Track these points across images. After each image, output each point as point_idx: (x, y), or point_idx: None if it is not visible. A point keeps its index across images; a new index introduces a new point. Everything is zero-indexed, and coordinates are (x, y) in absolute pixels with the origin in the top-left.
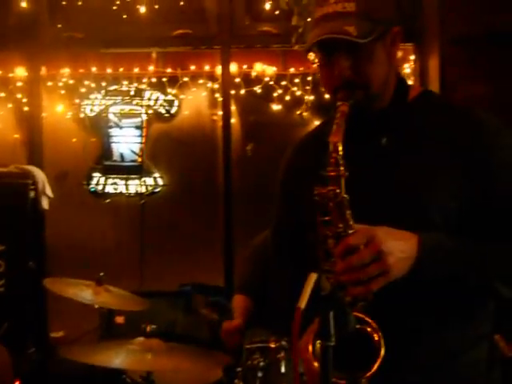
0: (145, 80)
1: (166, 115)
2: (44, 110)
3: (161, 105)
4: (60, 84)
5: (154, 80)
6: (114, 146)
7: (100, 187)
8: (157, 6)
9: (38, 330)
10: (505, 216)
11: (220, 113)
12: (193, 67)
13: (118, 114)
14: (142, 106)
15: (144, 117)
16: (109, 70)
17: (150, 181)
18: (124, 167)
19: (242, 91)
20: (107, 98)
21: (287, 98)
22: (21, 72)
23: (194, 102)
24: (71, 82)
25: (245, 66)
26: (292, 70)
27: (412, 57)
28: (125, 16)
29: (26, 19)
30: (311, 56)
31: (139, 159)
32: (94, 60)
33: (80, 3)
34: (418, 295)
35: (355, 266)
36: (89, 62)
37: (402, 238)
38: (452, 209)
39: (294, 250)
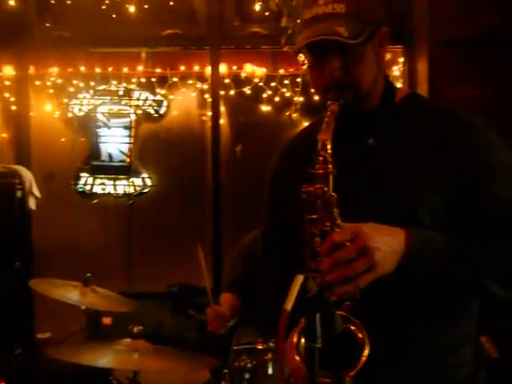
0: (134, 80)
1: (155, 115)
2: (32, 109)
3: (150, 105)
4: (48, 83)
5: (143, 80)
6: (102, 146)
7: (88, 187)
8: (146, 6)
9: (24, 330)
10: (492, 216)
11: (209, 113)
12: (182, 67)
13: (107, 114)
14: (130, 105)
15: (133, 117)
16: (97, 70)
17: (138, 181)
18: (112, 167)
19: (232, 92)
20: (96, 97)
21: (276, 99)
22: (9, 71)
23: (184, 102)
24: (59, 81)
25: (234, 67)
26: (281, 71)
27: (401, 59)
28: (114, 15)
29: (15, 18)
30: (301, 57)
31: (128, 159)
32: (83, 59)
33: (69, 2)
34: (405, 293)
35: (341, 262)
36: (77, 62)
37: (389, 234)
38: (440, 209)
39: (284, 251)
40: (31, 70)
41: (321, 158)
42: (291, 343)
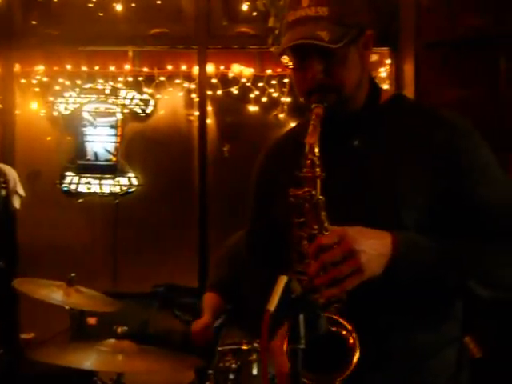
0: (121, 79)
1: (142, 115)
2: (17, 107)
3: (136, 104)
4: (34, 81)
5: (130, 79)
6: (87, 145)
7: (73, 187)
8: (133, 5)
9: (7, 330)
10: (476, 217)
11: (196, 113)
12: (169, 67)
13: (93, 113)
14: (117, 104)
15: (119, 116)
16: (84, 68)
17: (124, 181)
18: (98, 166)
19: (219, 92)
20: (82, 96)
21: (264, 99)
22: None
23: (170, 101)
24: (45, 79)
25: (222, 67)
26: (269, 71)
27: (388, 61)
28: (101, 14)
29: (0, 16)
30: (285, 59)
31: (114, 159)
32: (69, 57)
33: (55, 0)
34: (391, 296)
35: (327, 264)
36: (64, 60)
37: (375, 237)
38: (424, 209)
39: (269, 251)
40: (17, 67)
41: (308, 162)
42: (282, 346)
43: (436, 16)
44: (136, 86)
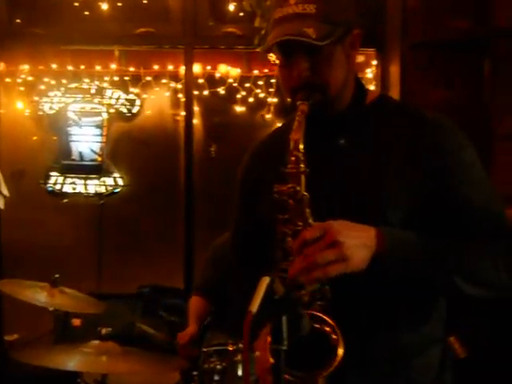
0: (106, 78)
1: (128, 114)
2: (2, 106)
3: (122, 104)
4: (19, 80)
5: (116, 78)
6: (73, 144)
7: (58, 187)
8: (120, 4)
9: None
10: (461, 217)
11: (183, 113)
12: (156, 67)
13: (78, 113)
14: (103, 104)
15: (105, 116)
16: (69, 68)
17: (109, 181)
18: (83, 167)
19: (206, 92)
20: (67, 95)
21: (250, 99)
22: None
23: (157, 101)
24: (30, 78)
25: (208, 67)
26: (256, 72)
27: (374, 62)
28: (87, 12)
29: None
30: (272, 57)
31: (99, 159)
32: (55, 57)
33: None
34: (375, 294)
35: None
36: (49, 59)
37: (359, 229)
38: (409, 209)
39: (254, 250)
40: (1, 66)
41: (293, 158)
42: (264, 344)
43: (422, 18)
44: (122, 86)
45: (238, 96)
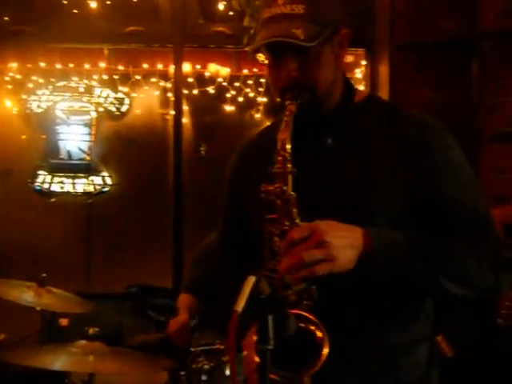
0: (95, 77)
1: (117, 113)
2: None
3: (111, 102)
4: (7, 78)
5: (105, 77)
6: (61, 143)
7: (46, 186)
8: (109, 2)
9: None
10: (448, 217)
11: (172, 112)
12: (145, 65)
13: (67, 111)
14: (91, 103)
15: (93, 114)
16: (58, 66)
17: (98, 180)
18: (71, 165)
19: (195, 91)
20: (55, 94)
21: (240, 99)
22: None
23: (146, 100)
24: (18, 76)
25: (198, 66)
26: (245, 71)
27: (363, 62)
28: (75, 10)
29: None
30: (260, 57)
31: (87, 158)
32: (43, 55)
33: None
34: (362, 294)
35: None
36: (37, 57)
37: (346, 230)
38: (397, 209)
39: (242, 250)
40: None
41: (280, 158)
42: (250, 343)
43: (410, 18)
44: (111, 85)
45: (228, 95)
